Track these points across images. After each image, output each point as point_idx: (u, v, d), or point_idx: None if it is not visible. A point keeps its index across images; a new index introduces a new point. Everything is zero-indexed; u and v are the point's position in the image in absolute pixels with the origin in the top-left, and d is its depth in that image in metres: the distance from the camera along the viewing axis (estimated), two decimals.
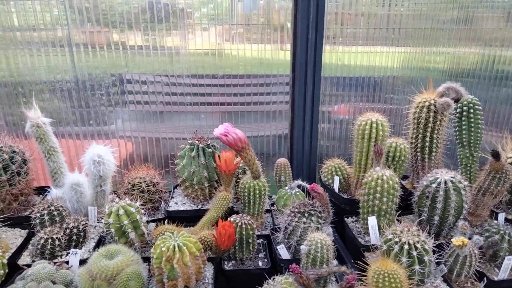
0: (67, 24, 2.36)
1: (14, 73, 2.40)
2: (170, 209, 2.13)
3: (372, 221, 1.87)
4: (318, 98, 2.52)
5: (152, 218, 2.11)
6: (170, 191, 2.33)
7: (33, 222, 1.83)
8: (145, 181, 2.14)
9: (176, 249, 1.51)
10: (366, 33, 2.62)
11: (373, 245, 1.78)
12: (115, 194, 2.26)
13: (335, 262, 1.65)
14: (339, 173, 2.22)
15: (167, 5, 2.41)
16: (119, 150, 2.67)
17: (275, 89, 2.66)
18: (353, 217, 2.11)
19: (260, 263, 1.85)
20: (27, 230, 1.91)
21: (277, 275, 1.47)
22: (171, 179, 2.62)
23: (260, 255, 1.92)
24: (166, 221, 2.02)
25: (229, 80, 2.60)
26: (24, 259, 1.75)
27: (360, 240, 1.92)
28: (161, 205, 2.16)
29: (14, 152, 1.95)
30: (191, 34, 2.48)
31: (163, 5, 2.39)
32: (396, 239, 1.59)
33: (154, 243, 1.65)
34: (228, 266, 1.82)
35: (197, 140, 2.16)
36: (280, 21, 2.49)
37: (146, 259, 1.72)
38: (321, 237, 1.60)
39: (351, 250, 1.96)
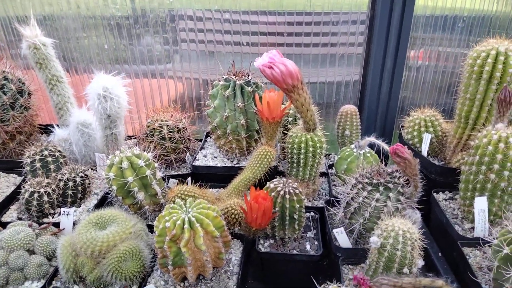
0: None
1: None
2: (196, 163, 1.66)
3: (481, 203, 1.25)
4: (406, 41, 1.85)
5: (174, 173, 1.66)
6: (201, 140, 1.86)
7: (24, 170, 1.46)
8: (168, 125, 1.67)
9: (186, 225, 1.04)
10: None
11: (478, 238, 1.18)
12: (136, 139, 1.84)
13: (420, 263, 1.08)
14: (431, 129, 1.57)
15: None
16: (168, 91, 2.24)
17: (344, 29, 1.99)
18: (447, 192, 1.49)
19: (308, 247, 1.34)
20: (22, 178, 1.55)
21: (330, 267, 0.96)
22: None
23: (309, 234, 1.41)
24: (189, 179, 1.56)
25: (289, 17, 1.98)
26: (11, 214, 1.40)
27: (456, 227, 1.32)
28: (187, 157, 1.70)
29: (6, 79, 1.55)
30: None
31: None
32: None
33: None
34: (264, 247, 1.34)
35: (234, 75, 1.61)
36: None
37: None
38: (404, 226, 1.04)
39: (440, 241, 1.37)
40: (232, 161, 1.72)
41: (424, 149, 1.55)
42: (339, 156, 1.55)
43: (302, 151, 1.46)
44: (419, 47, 2.06)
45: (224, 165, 1.66)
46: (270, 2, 2.01)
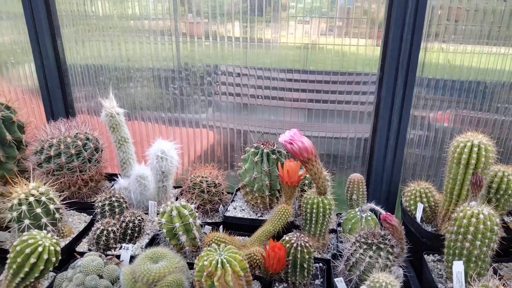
0: (175, 15, 2.42)
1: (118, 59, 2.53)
2: (227, 214, 2.03)
3: (458, 266, 1.52)
4: (409, 101, 2.17)
5: (209, 221, 2.03)
6: (232, 193, 2.23)
7: (95, 211, 1.87)
8: (207, 181, 2.06)
9: (219, 265, 1.39)
10: (479, 31, 2.16)
11: None
12: (180, 188, 2.24)
13: None
14: (425, 199, 1.87)
15: None
16: (201, 140, 2.67)
17: (358, 88, 2.38)
18: (435, 255, 1.76)
19: None
20: (91, 217, 1.97)
21: None
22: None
23: (317, 281, 1.71)
24: (221, 226, 1.92)
25: (312, 76, 2.40)
26: (82, 246, 1.80)
27: (440, 286, 1.58)
28: (220, 208, 2.07)
29: (88, 139, 2.02)
30: (283, 27, 2.33)
31: None
32: None
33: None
34: None
35: (262, 144, 2.01)
36: (365, 15, 2.19)
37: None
38: (387, 280, 1.33)
39: None
40: (256, 214, 2.06)
41: (418, 216, 1.85)
42: (345, 217, 1.87)
43: (314, 211, 1.80)
44: (429, 108, 2.36)
45: (250, 217, 2.01)
46: (296, 62, 2.41)
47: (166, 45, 2.49)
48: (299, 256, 1.58)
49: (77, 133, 1.99)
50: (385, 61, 2.13)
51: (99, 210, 1.85)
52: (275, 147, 2.01)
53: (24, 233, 1.50)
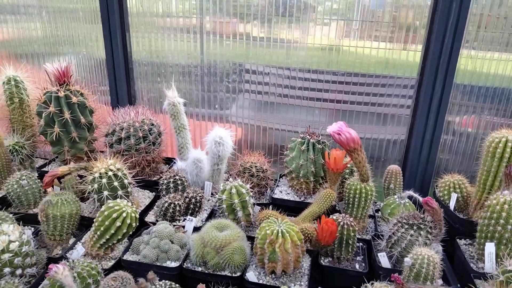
0: (201, 13, 2.62)
1: (154, 55, 2.76)
2: (275, 196, 2.24)
3: (490, 247, 1.70)
4: (445, 106, 2.34)
5: (258, 202, 2.24)
6: (276, 180, 2.44)
7: (160, 187, 2.10)
8: (256, 166, 2.27)
9: (280, 234, 1.60)
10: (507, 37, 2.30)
11: (487, 273, 1.62)
12: (227, 174, 2.45)
13: (439, 282, 1.54)
14: (458, 190, 2.05)
15: None
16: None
17: (396, 91, 2.54)
18: (467, 239, 1.93)
19: (357, 266, 1.83)
20: (154, 193, 2.21)
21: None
22: (277, 168, 2.73)
23: (358, 258, 1.90)
24: (271, 206, 2.13)
25: (348, 78, 2.58)
26: (149, 217, 2.04)
27: (472, 265, 1.76)
28: (267, 191, 2.28)
29: (152, 125, 2.26)
30: (311, 28, 2.51)
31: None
32: None
33: (258, 225, 1.78)
34: (324, 262, 1.85)
35: (308, 135, 2.21)
36: (408, 20, 2.36)
37: (249, 238, 1.84)
38: (429, 253, 1.52)
39: (459, 274, 1.81)
40: (299, 198, 2.27)
41: (452, 205, 2.03)
42: (385, 203, 2.06)
43: (357, 196, 1.99)
44: (462, 113, 2.48)
45: (295, 199, 2.22)
46: (323, 63, 2.56)
47: (192, 42, 2.68)
48: (345, 233, 1.79)
49: (143, 119, 2.23)
50: (425, 65, 2.31)
51: (164, 186, 2.08)
52: (319, 138, 2.21)
53: (108, 201, 1.74)
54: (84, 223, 1.95)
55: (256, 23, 2.56)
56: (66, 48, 2.89)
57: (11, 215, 1.84)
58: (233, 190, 1.91)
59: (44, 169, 2.41)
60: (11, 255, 1.50)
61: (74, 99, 2.21)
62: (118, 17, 2.59)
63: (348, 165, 2.24)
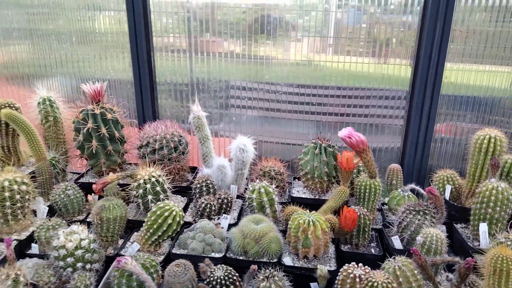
0: (188, 32, 2.91)
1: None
2: (293, 195, 2.52)
3: (483, 227, 2.03)
4: (434, 116, 2.72)
5: (278, 201, 2.51)
6: (290, 182, 2.72)
7: (193, 191, 2.35)
8: (274, 170, 2.56)
9: (311, 223, 1.88)
10: (482, 50, 2.69)
11: (482, 249, 1.94)
12: (247, 179, 2.72)
13: (445, 256, 1.86)
14: (451, 182, 2.39)
15: (275, 18, 2.81)
16: (218, 149, 3.16)
17: (391, 103, 2.91)
18: (462, 224, 2.27)
19: (372, 251, 2.13)
20: (185, 198, 2.45)
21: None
22: None
23: (372, 244, 2.20)
24: (291, 203, 2.41)
25: (350, 91, 2.93)
26: (186, 218, 2.28)
27: (469, 243, 2.09)
28: (286, 191, 2.56)
29: (181, 136, 2.52)
30: (293, 44, 2.84)
31: (272, 18, 2.81)
32: (509, 242, 1.75)
33: (281, 221, 2.07)
34: (344, 248, 2.13)
35: (319, 140, 2.52)
36: (400, 39, 2.74)
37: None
38: (436, 232, 1.84)
39: (458, 253, 2.13)
40: (314, 196, 2.56)
41: (447, 196, 2.37)
42: (391, 196, 2.38)
43: (367, 190, 2.30)
44: (442, 121, 2.85)
45: (312, 197, 2.51)
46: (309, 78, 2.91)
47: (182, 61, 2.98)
48: (362, 222, 2.08)
49: (172, 132, 2.49)
50: (415, 78, 2.68)
51: (197, 190, 2.33)
52: (330, 142, 2.52)
53: (158, 203, 1.98)
54: (129, 226, 2.16)
55: (237, 41, 2.86)
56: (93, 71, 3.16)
57: (64, 221, 2.05)
58: (262, 190, 2.19)
59: (79, 181, 2.60)
60: (83, 251, 1.72)
61: (109, 116, 2.45)
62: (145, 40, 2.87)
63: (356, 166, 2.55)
